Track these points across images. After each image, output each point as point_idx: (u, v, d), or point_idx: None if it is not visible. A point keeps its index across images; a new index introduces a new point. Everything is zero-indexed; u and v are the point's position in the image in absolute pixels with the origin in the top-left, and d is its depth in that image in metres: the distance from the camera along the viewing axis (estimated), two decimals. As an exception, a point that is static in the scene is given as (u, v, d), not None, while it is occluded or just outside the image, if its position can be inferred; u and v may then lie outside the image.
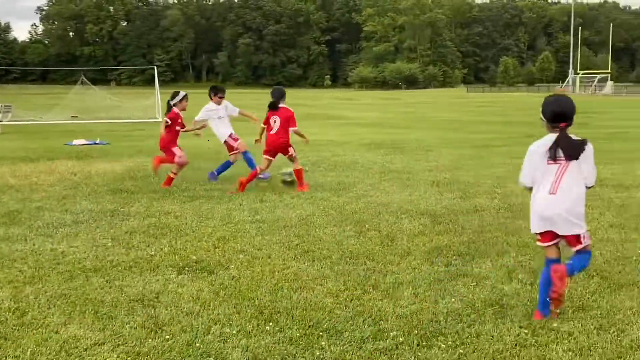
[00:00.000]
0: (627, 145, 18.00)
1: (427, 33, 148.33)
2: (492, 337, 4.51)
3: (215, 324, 4.74)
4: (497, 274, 5.94)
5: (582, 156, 4.66)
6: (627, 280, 5.73)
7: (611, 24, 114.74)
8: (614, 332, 4.59)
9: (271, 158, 10.40)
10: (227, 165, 11.68)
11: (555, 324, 4.71)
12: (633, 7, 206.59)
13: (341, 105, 50.25)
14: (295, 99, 48.50)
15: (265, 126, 10.47)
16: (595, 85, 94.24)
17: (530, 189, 4.86)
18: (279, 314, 4.91)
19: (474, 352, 4.28)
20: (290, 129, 10.27)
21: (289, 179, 10.70)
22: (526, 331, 4.59)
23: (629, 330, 4.60)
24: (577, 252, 4.80)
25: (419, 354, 4.26)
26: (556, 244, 4.84)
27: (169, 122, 10.72)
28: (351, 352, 4.27)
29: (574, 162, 4.66)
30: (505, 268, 6.13)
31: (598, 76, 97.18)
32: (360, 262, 6.38)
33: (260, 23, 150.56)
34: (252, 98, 59.51)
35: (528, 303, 5.17)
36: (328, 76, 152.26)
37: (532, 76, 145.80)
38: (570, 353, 4.25)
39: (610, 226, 7.89)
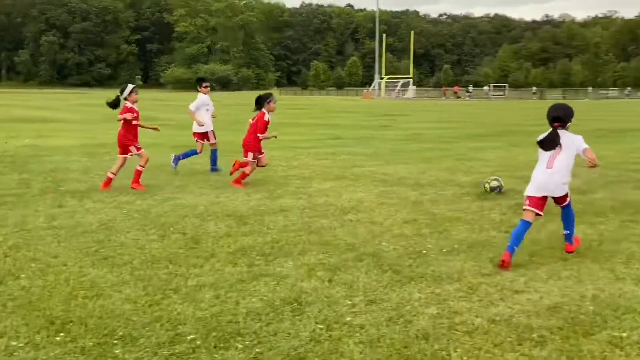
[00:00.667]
0: (423, 146, 19.12)
1: (240, 35, 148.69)
2: (289, 334, 4.61)
3: (1, 337, 4.46)
4: (298, 272, 6.09)
5: (565, 145, 6.40)
6: (416, 274, 6.09)
7: (412, 32, 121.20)
8: (402, 323, 4.86)
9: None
10: (193, 153, 12.89)
11: (348, 318, 4.91)
12: (432, 16, 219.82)
13: (155, 107, 49.11)
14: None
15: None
16: (398, 90, 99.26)
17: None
18: (71, 324, 4.71)
19: (270, 350, 4.35)
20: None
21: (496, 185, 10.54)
22: (321, 326, 4.74)
23: (416, 321, 4.89)
24: (563, 207, 6.76)
25: (216, 356, 4.26)
26: (533, 211, 6.50)
27: (129, 117, 10.41)
28: (146, 359, 4.19)
29: (560, 149, 6.41)
30: (305, 266, 6.30)
31: (401, 81, 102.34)
32: (163, 266, 6.28)
33: (66, 20, 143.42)
34: (60, 98, 56.75)
35: (325, 299, 5.34)
36: (139, 76, 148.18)
37: (342, 80, 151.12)
38: (361, 345, 4.45)
39: (405, 222, 8.34)
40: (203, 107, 12.75)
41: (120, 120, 10.51)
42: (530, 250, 6.93)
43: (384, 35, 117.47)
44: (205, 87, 12.92)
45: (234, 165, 11.43)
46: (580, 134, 6.52)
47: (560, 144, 6.42)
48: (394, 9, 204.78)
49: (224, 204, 9.44)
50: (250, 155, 10.92)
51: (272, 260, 6.52)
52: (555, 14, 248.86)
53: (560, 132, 6.46)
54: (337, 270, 6.20)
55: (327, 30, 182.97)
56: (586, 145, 6.43)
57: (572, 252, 6.84)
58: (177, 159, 12.75)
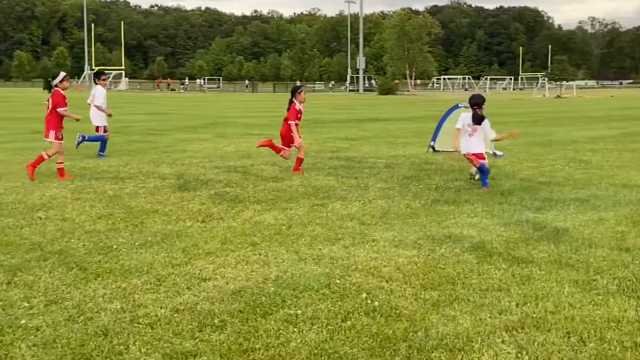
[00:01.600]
0: (128, 138, 18.72)
1: None
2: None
3: None
4: (-28, 277, 5.59)
5: (482, 124, 9.93)
6: (104, 269, 5.91)
7: (122, 22, 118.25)
8: (82, 321, 4.67)
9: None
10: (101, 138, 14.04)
11: (24, 321, 4.61)
12: (143, 7, 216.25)
13: None
14: None
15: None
16: (110, 82, 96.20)
17: (458, 131, 10.05)
18: None
19: None
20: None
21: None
22: (-9, 333, 4.40)
23: (97, 318, 4.73)
24: (480, 168, 10.05)
25: None
26: (471, 160, 10.12)
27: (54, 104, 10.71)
28: None
29: (479, 126, 9.92)
30: (-18, 270, 5.81)
31: (113, 72, 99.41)
32: None
33: None
34: None
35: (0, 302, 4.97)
36: None
37: (49, 71, 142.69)
38: (35, 348, 4.19)
39: (99, 217, 8.07)
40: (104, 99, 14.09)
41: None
42: (223, 237, 7.07)
43: (93, 25, 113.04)
44: (104, 80, 14.66)
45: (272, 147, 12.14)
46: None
47: (480, 125, 9.93)
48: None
49: None
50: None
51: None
52: (265, 10, 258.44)
53: (481, 112, 9.92)
54: (18, 271, 5.80)
55: (31, 18, 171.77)
56: (491, 130, 10.18)
57: None
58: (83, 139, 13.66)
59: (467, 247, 6.69)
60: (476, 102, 10.04)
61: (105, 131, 14.33)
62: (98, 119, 14.20)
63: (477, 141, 10.02)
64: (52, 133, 10.83)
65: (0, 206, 8.52)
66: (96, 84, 14.43)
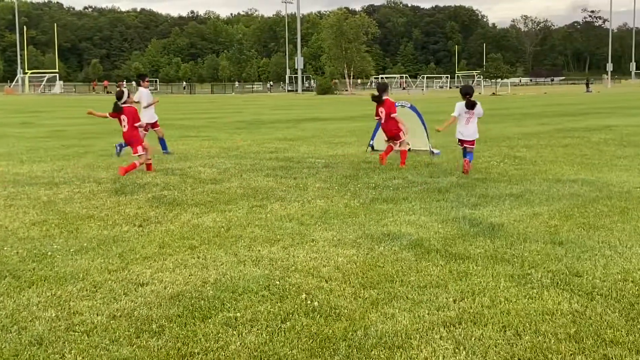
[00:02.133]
0: (63, 143, 18.32)
1: None
2: None
3: None
4: None
5: (475, 108, 11.53)
6: (39, 277, 5.77)
7: (55, 24, 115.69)
8: (15, 330, 4.55)
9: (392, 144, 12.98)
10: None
11: (-48, 334, 4.46)
12: (77, 8, 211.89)
13: None
14: None
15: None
16: (44, 85, 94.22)
17: (454, 118, 11.72)
18: None
19: None
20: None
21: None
22: None
23: (32, 327, 4.61)
24: (469, 151, 11.71)
25: None
26: (463, 147, 11.75)
27: None
28: None
29: (474, 111, 11.55)
30: None
31: (47, 76, 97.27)
32: None
33: None
34: None
35: None
36: None
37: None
38: (-35, 361, 4.07)
39: (33, 224, 7.87)
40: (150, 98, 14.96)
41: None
42: (160, 241, 6.99)
43: (25, 27, 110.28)
44: (147, 81, 15.62)
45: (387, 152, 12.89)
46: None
47: (474, 109, 11.57)
48: (35, 0, 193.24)
49: None
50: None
51: None
52: (201, 11, 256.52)
53: (473, 100, 11.57)
54: (-53, 282, 5.61)
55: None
56: (482, 110, 11.85)
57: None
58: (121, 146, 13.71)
59: (406, 244, 6.76)
60: (467, 92, 11.79)
61: (156, 126, 15.03)
62: (147, 117, 14.41)
63: (473, 129, 11.68)
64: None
65: None
66: (139, 85, 15.36)
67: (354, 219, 8.07)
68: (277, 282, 5.56)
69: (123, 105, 11.77)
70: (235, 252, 6.61)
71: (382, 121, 12.94)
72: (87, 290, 5.43)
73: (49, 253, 6.57)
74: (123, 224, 7.91)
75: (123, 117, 11.73)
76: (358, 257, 6.32)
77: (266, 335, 4.42)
